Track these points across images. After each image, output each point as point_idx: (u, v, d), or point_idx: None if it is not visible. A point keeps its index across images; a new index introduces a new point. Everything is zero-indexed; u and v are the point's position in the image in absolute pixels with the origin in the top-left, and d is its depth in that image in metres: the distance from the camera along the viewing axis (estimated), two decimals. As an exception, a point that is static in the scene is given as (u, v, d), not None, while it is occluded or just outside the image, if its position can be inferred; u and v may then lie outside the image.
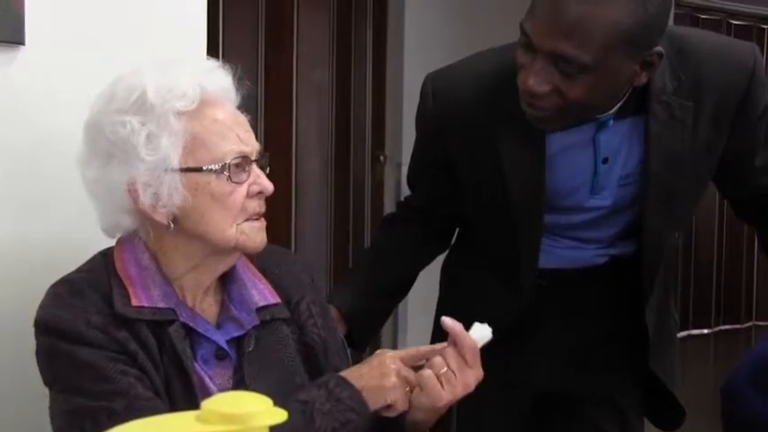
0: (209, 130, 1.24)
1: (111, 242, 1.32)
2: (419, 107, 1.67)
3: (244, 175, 1.25)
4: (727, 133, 1.55)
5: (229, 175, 1.23)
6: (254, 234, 1.27)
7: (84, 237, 1.34)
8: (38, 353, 1.24)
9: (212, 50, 1.71)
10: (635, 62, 1.39)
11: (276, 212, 4.32)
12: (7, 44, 1.50)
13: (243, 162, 1.25)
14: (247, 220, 1.27)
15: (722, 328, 6.29)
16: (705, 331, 6.20)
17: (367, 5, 4.57)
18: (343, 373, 1.27)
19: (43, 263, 1.47)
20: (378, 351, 1.29)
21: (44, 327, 1.22)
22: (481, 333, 1.28)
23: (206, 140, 1.23)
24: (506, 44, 1.55)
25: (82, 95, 1.30)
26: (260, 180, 1.27)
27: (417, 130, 1.72)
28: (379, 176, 4.66)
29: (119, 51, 1.59)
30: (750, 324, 6.40)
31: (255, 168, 1.27)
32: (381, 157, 4.65)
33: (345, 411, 1.21)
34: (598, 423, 1.72)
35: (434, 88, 1.63)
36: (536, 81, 1.38)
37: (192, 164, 1.23)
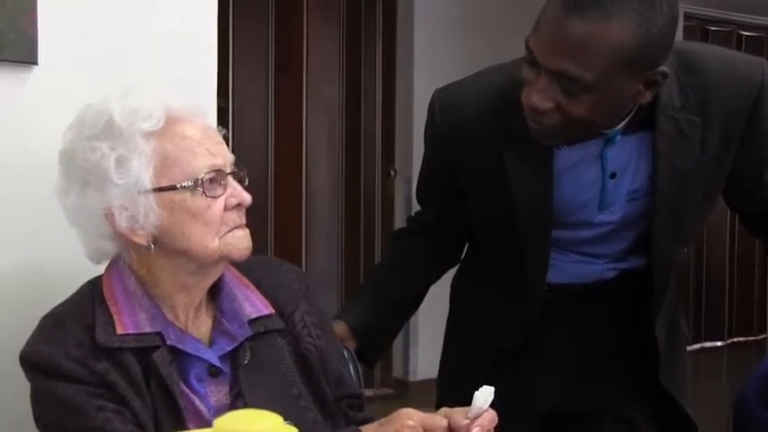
0: (179, 147, 1.24)
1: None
2: (427, 122, 1.67)
3: (219, 189, 1.25)
4: (735, 148, 1.55)
5: (203, 191, 1.23)
6: (239, 242, 1.27)
7: (88, 262, 1.34)
8: (30, 389, 1.25)
9: (222, 68, 1.72)
10: (638, 81, 1.39)
11: (287, 228, 4.34)
12: (20, 64, 1.51)
13: (217, 176, 1.25)
14: (229, 231, 1.26)
15: (735, 340, 6.27)
16: (718, 344, 6.18)
17: (376, 21, 4.60)
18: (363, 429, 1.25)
19: (47, 288, 1.46)
20: (401, 412, 1.22)
21: (27, 363, 1.23)
22: (485, 397, 1.20)
23: (177, 158, 1.24)
24: (515, 60, 1.55)
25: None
26: (237, 192, 1.27)
27: (425, 145, 1.73)
28: (390, 191, 4.68)
29: (131, 71, 1.60)
30: (763, 336, 6.36)
31: (232, 181, 1.27)
32: (392, 172, 4.67)
33: None
34: (608, 438, 1.72)
35: (442, 103, 1.64)
36: (539, 98, 1.39)
37: (165, 183, 1.23)
